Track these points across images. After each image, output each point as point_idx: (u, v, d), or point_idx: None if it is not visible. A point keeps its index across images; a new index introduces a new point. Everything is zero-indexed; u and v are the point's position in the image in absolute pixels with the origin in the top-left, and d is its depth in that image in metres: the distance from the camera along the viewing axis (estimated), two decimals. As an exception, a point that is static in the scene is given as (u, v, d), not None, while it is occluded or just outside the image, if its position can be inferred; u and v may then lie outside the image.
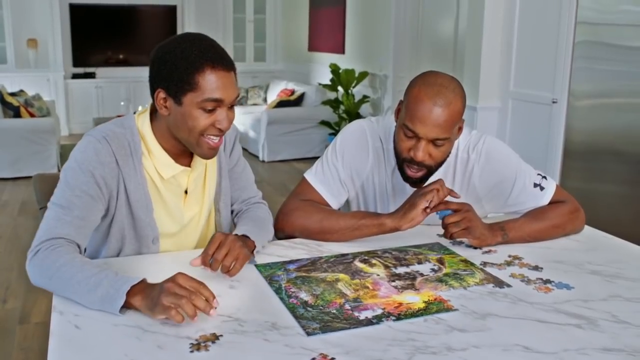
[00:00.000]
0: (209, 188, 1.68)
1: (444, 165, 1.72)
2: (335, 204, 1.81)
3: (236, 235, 1.52)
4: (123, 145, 1.52)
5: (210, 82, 1.43)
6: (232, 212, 1.77)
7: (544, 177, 1.80)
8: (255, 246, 1.56)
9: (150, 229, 1.58)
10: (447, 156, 1.68)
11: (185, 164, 1.60)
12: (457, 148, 1.77)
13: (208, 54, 1.43)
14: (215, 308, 1.22)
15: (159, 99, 1.48)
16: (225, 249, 1.43)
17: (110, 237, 1.58)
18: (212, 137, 1.49)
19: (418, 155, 1.59)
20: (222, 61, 1.44)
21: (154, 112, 1.57)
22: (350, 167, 1.80)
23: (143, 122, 1.56)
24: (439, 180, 1.62)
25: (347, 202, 1.90)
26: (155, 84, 1.48)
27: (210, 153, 1.52)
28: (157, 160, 1.56)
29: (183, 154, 1.59)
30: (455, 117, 1.58)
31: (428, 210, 1.60)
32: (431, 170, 1.66)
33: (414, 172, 1.65)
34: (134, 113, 1.59)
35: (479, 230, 1.64)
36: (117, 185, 1.52)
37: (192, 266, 1.41)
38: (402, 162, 1.66)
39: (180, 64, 1.42)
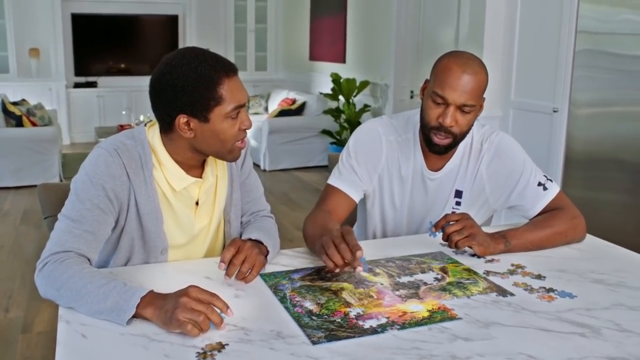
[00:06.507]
0: (220, 199, 1.68)
1: (459, 155, 1.84)
2: (356, 195, 1.87)
3: (252, 241, 1.54)
4: (134, 158, 1.52)
5: (231, 90, 1.47)
6: (241, 223, 1.78)
7: (550, 180, 1.87)
8: (268, 251, 1.58)
9: (160, 240, 1.59)
10: (470, 128, 1.77)
11: (196, 175, 1.60)
12: (472, 139, 1.86)
13: (217, 65, 1.46)
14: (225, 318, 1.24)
15: (181, 125, 1.47)
16: (243, 255, 1.46)
17: (119, 248, 1.58)
18: (239, 142, 1.54)
19: (446, 121, 1.69)
20: (230, 67, 1.48)
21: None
22: (365, 163, 1.88)
23: (154, 135, 1.56)
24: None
25: (364, 199, 1.96)
26: (174, 112, 1.47)
27: (240, 154, 1.58)
28: (168, 172, 1.56)
29: (194, 165, 1.59)
30: (481, 86, 1.70)
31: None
32: (456, 139, 1.75)
33: (441, 138, 1.73)
34: (145, 125, 1.59)
35: (481, 236, 1.66)
36: (127, 198, 1.52)
37: (220, 270, 1.44)
38: (430, 131, 1.74)
39: (199, 84, 1.43)
